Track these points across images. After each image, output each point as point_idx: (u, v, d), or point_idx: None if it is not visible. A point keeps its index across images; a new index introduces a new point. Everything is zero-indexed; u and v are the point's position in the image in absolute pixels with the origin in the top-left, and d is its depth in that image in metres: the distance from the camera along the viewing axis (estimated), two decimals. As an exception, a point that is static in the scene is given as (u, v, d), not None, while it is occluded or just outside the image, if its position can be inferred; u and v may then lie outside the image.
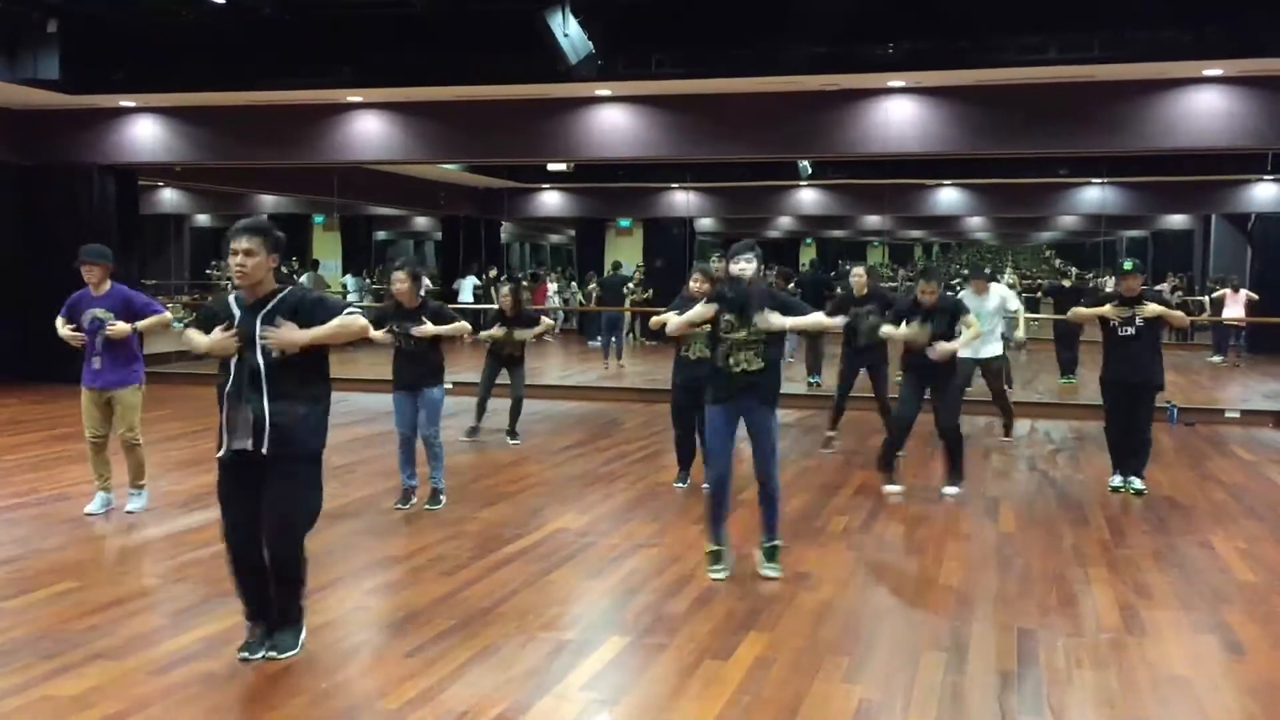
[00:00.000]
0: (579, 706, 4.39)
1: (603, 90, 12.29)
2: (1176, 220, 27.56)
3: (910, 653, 4.99)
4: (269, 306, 4.58)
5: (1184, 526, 7.50)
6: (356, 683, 4.60)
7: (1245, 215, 22.78)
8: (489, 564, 6.34)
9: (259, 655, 4.72)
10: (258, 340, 4.54)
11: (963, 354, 10.56)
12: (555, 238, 37.00)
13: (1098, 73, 10.94)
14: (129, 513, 7.39)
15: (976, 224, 30.11)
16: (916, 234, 35.98)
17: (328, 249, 27.16)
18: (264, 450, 4.55)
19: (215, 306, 4.75)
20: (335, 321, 4.56)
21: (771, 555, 6.13)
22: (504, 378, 10.54)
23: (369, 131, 13.47)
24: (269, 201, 24.51)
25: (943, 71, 11.17)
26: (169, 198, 23.87)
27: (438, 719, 4.20)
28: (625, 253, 28.98)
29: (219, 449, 4.68)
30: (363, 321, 4.65)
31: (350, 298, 22.97)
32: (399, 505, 7.67)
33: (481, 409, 10.60)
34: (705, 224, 27.96)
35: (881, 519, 7.57)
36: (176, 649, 4.90)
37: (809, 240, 36.35)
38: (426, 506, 7.66)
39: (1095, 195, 21.67)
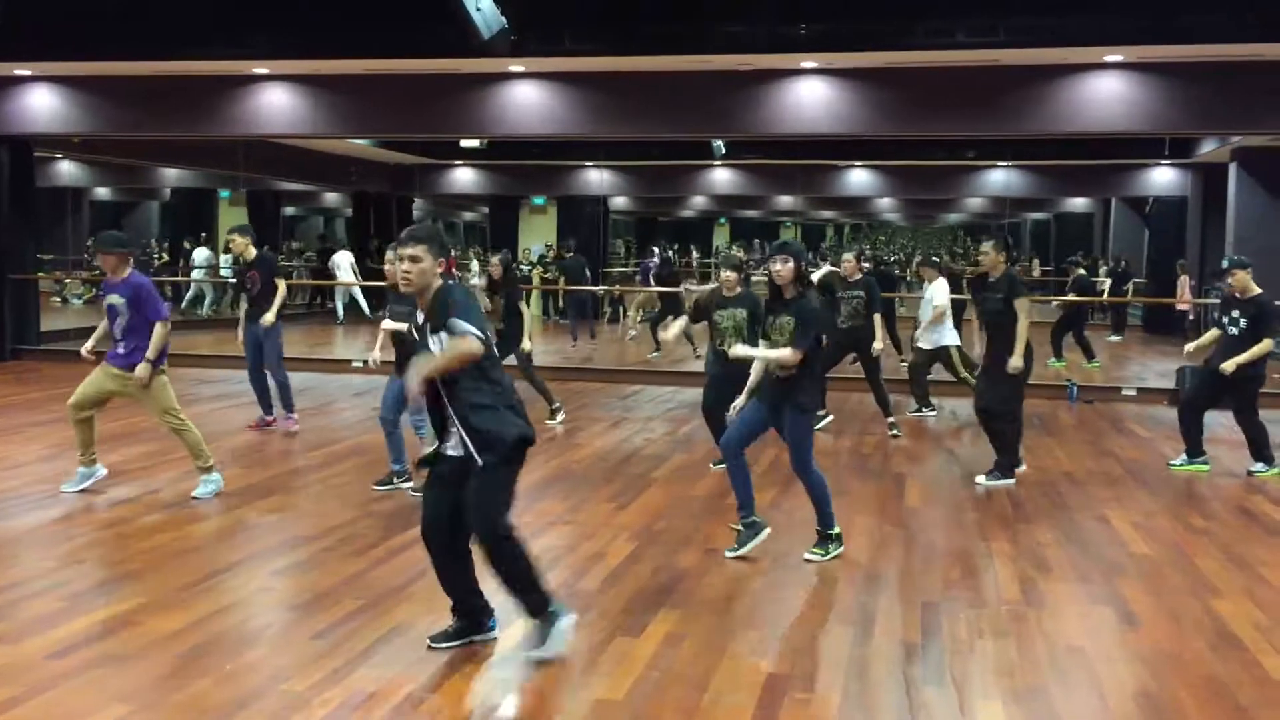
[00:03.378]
0: (490, 684, 4.39)
1: (516, 66, 12.18)
2: (1078, 203, 28.26)
3: (818, 627, 5.07)
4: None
5: (1082, 502, 7.72)
6: (262, 664, 4.54)
7: (1143, 198, 23.43)
8: (399, 543, 6.28)
9: (446, 645, 4.67)
10: (431, 347, 4.46)
11: (921, 344, 10.94)
12: (469, 215, 36.65)
13: (1003, 57, 11.14)
14: (194, 498, 7.17)
15: (886, 205, 30.50)
16: (828, 214, 36.32)
17: (234, 224, 26.56)
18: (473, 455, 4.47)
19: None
20: (448, 348, 4.39)
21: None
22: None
23: (277, 104, 13.18)
24: (172, 175, 23.87)
25: (853, 53, 11.29)
26: (67, 170, 23.10)
27: (346, 700, 4.16)
28: (539, 231, 28.83)
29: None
30: (475, 346, 4.36)
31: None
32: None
33: None
34: (619, 203, 27.92)
35: (790, 497, 7.65)
36: (76, 632, 4.79)
37: (723, 220, 36.54)
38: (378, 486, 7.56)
39: (1000, 178, 22.12)
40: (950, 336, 11.01)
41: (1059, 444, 9.75)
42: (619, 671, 4.49)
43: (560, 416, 10.41)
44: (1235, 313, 8.44)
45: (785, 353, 5.84)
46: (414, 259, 4.45)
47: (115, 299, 7.11)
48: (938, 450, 9.65)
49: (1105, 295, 20.82)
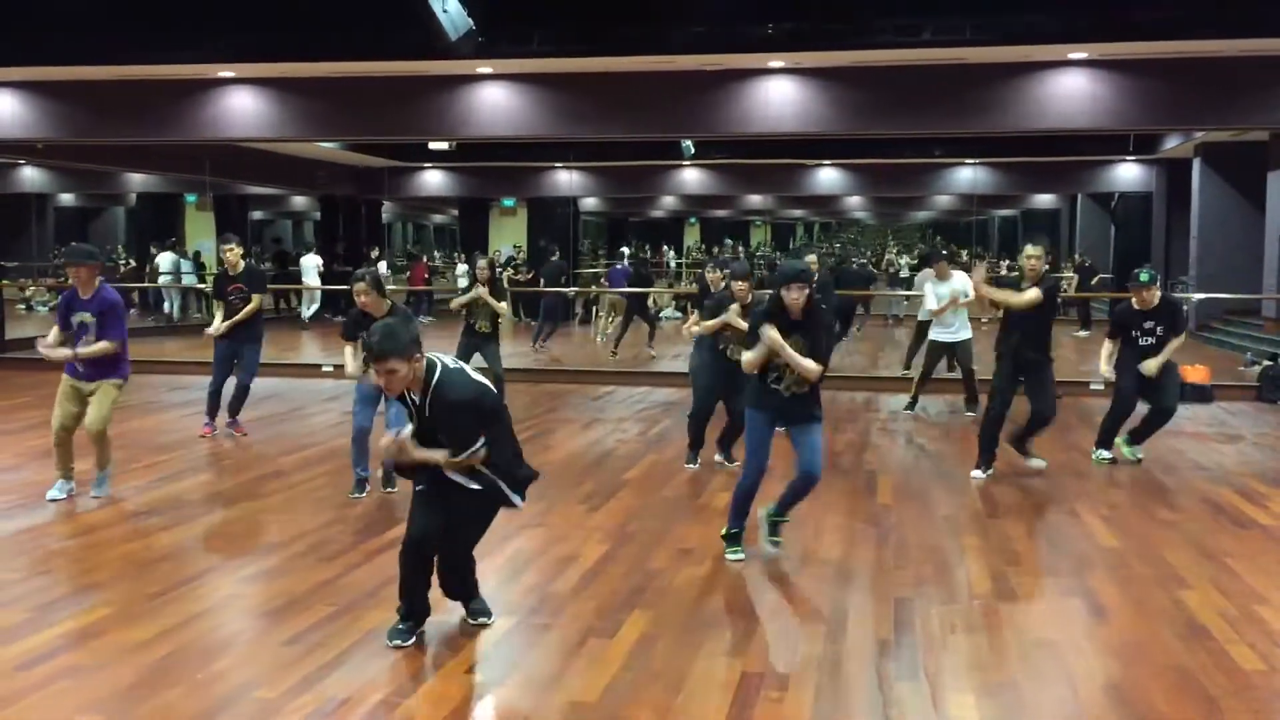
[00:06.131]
0: (464, 689, 4.37)
1: (484, 68, 12.14)
2: (1044, 199, 28.49)
3: (791, 625, 5.09)
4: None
5: (1051, 496, 7.77)
6: (234, 672, 4.51)
7: (1108, 194, 23.66)
8: (371, 549, 6.26)
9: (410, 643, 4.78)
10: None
11: (938, 337, 11.08)
12: (438, 218, 36.60)
13: (969, 55, 11.20)
14: (94, 498, 7.21)
15: (855, 203, 30.66)
16: (798, 213, 36.55)
17: (201, 229, 26.38)
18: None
19: None
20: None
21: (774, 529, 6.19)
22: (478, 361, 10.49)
23: (242, 108, 13.08)
24: (138, 180, 23.69)
25: (820, 52, 11.33)
26: (30, 176, 22.90)
27: (318, 707, 4.14)
28: (509, 233, 28.79)
29: None
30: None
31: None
32: (355, 495, 7.42)
33: None
34: (589, 203, 27.92)
35: (762, 495, 7.66)
36: (44, 642, 4.74)
37: (693, 220, 36.61)
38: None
39: (968, 175, 22.27)
40: (966, 330, 11.18)
41: (1028, 439, 9.80)
42: (593, 673, 4.49)
43: None
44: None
45: (811, 364, 5.77)
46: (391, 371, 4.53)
47: (85, 316, 7.03)
48: (910, 447, 9.70)
49: (1073, 291, 20.98)
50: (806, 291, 5.84)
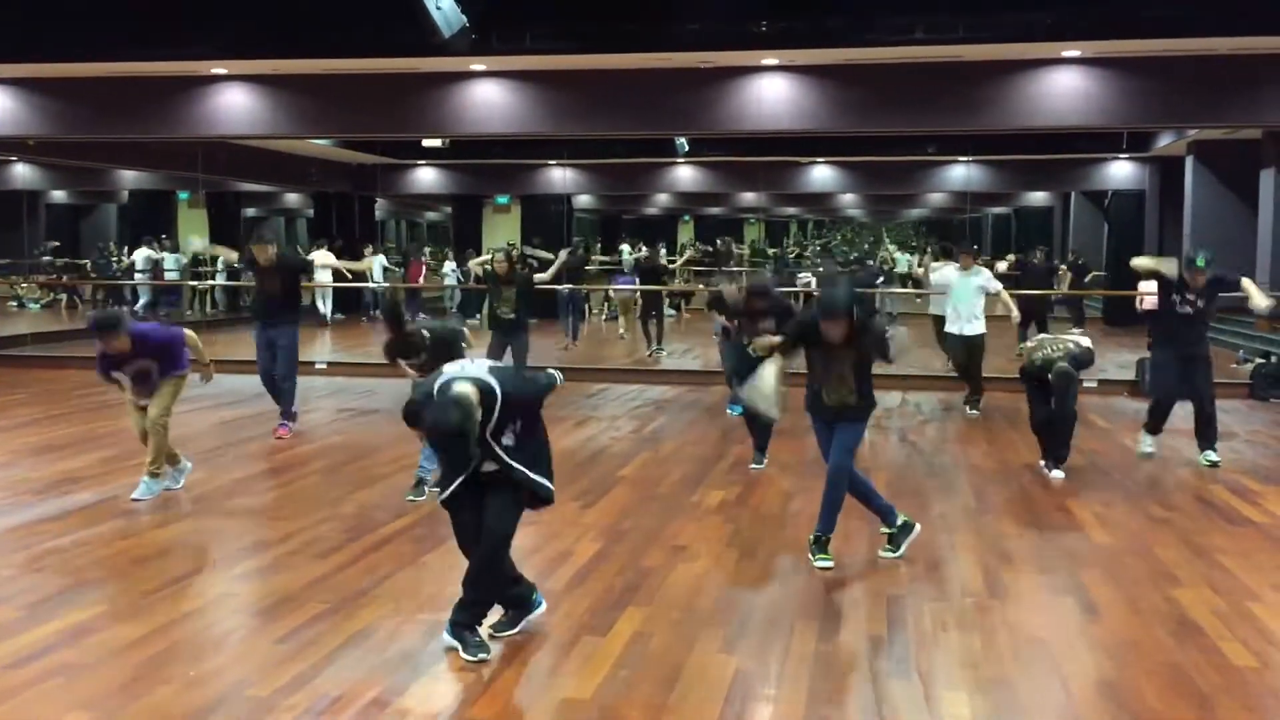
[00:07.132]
0: (456, 688, 4.37)
1: (477, 65, 12.13)
2: (1037, 197, 28.51)
3: (784, 622, 5.08)
4: None
5: (1044, 493, 7.78)
6: (226, 670, 4.50)
7: (1102, 192, 23.67)
8: (363, 546, 6.25)
9: (507, 633, 4.85)
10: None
11: (952, 329, 11.07)
12: (432, 215, 36.51)
13: (962, 53, 11.21)
14: (134, 500, 7.15)
15: (849, 201, 30.67)
16: (792, 211, 36.47)
17: (194, 226, 26.29)
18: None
19: None
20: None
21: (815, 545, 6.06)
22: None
23: (235, 105, 13.05)
24: (130, 177, 23.62)
25: (814, 50, 11.33)
26: (22, 173, 22.81)
27: (310, 705, 4.13)
28: (503, 231, 28.72)
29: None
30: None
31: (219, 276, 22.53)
32: (413, 498, 7.21)
33: None
34: (583, 201, 27.90)
35: (757, 492, 7.68)
36: (36, 640, 4.73)
37: (686, 217, 36.57)
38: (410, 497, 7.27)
39: (961, 173, 22.28)
40: (981, 324, 11.15)
41: (1020, 436, 9.82)
42: (586, 670, 4.49)
43: None
44: None
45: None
46: None
47: (143, 365, 7.12)
48: (902, 445, 9.71)
49: (1066, 288, 20.99)
50: (845, 326, 5.74)
